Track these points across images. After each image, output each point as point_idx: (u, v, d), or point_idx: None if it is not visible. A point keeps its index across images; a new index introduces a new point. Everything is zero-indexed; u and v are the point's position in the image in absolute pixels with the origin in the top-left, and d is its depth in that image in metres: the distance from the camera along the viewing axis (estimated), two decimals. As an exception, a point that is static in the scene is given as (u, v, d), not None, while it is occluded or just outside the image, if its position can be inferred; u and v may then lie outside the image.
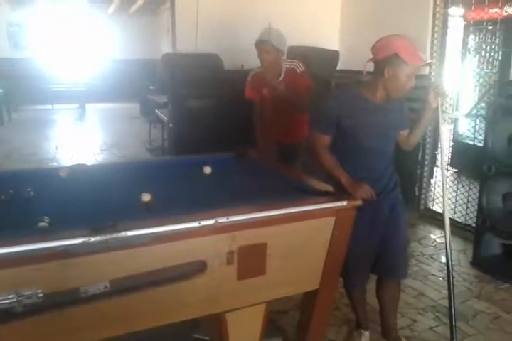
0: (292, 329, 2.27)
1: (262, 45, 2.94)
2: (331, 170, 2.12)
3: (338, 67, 5.30)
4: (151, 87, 8.91)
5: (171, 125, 4.79)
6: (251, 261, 1.76)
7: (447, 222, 2.08)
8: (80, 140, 7.38)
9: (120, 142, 7.07)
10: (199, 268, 1.66)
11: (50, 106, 10.22)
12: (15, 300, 1.34)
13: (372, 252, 2.16)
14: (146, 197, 1.86)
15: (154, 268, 1.58)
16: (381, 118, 2.06)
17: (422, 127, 2.15)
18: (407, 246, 2.26)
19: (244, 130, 4.68)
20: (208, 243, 1.66)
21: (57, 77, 11.08)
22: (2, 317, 1.37)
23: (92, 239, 1.44)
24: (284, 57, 3.11)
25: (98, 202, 1.84)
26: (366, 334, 2.35)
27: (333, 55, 5.26)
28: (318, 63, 5.00)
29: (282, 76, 3.08)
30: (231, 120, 4.48)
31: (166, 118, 5.33)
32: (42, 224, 1.51)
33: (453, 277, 2.05)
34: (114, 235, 1.47)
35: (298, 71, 3.06)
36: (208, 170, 2.38)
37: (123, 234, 1.49)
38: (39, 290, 1.37)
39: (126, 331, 1.62)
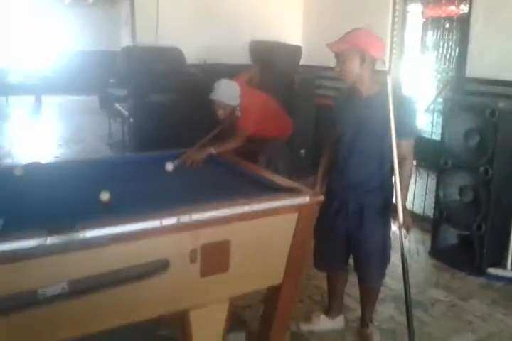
0: (256, 322, 2.28)
1: (215, 102, 3.00)
2: None
3: (301, 63, 5.33)
4: (111, 80, 8.66)
5: (131, 120, 4.69)
6: (214, 258, 1.75)
7: (400, 213, 2.09)
8: (36, 134, 7.11)
9: (78, 136, 6.87)
10: (161, 266, 1.64)
11: (3, 99, 9.78)
12: (-33, 305, 1.29)
13: (337, 245, 2.21)
14: (105, 196, 1.82)
15: (115, 268, 1.55)
16: (358, 113, 2.06)
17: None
18: (377, 253, 2.15)
19: (206, 125, 4.66)
20: (170, 242, 1.65)
21: (12, 69, 10.62)
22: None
23: (49, 240, 1.40)
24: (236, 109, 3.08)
25: (55, 201, 1.79)
26: (322, 316, 2.42)
27: (296, 50, 5.29)
28: (281, 58, 5.02)
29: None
30: (193, 115, 4.43)
31: (126, 113, 5.21)
32: (-5, 225, 1.44)
33: (406, 268, 2.07)
34: (72, 236, 1.44)
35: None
36: (169, 166, 2.35)
37: (81, 234, 1.46)
38: (-7, 294, 1.32)
39: (87, 331, 1.58)
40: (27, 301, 1.41)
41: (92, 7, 11.11)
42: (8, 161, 5.31)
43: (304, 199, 1.91)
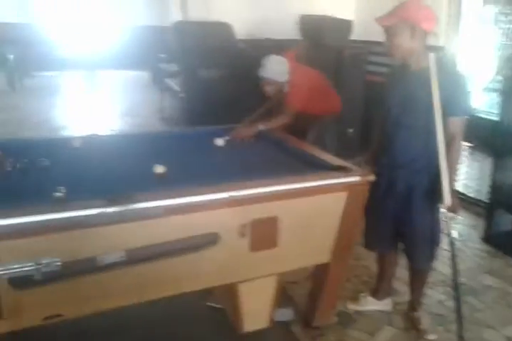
0: (302, 299, 2.31)
1: (264, 79, 2.94)
2: None
3: (352, 38, 5.16)
4: (162, 55, 8.75)
5: (182, 95, 4.74)
6: (263, 233, 1.77)
7: (446, 194, 2.01)
8: (90, 108, 7.35)
9: (133, 110, 7.02)
10: (212, 239, 1.68)
11: (61, 73, 10.13)
12: (34, 268, 1.38)
13: (386, 225, 2.18)
14: (159, 169, 1.87)
15: (169, 239, 1.61)
16: (407, 87, 1.98)
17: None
18: (425, 235, 2.09)
19: (255, 101, 4.64)
20: (221, 216, 1.68)
21: (67, 43, 10.94)
22: (22, 283, 1.40)
23: (108, 210, 1.46)
24: (286, 86, 3.00)
25: (113, 172, 1.85)
26: (369, 298, 2.41)
27: (347, 25, 5.11)
28: (331, 33, 4.87)
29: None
30: (242, 90, 4.42)
31: (176, 88, 5.27)
32: (58, 194, 1.52)
33: (454, 251, 2.01)
34: (130, 206, 1.49)
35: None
36: (220, 142, 2.38)
37: (138, 205, 1.51)
38: (57, 259, 1.40)
39: (140, 300, 1.66)
40: (86, 267, 1.49)
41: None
42: (65, 134, 5.52)
43: (354, 179, 1.89)
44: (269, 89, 3.00)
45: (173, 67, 6.18)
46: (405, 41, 1.91)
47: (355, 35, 5.13)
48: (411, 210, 2.08)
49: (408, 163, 2.05)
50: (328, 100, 3.34)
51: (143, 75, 9.88)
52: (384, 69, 4.83)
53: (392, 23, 1.90)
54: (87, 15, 11.55)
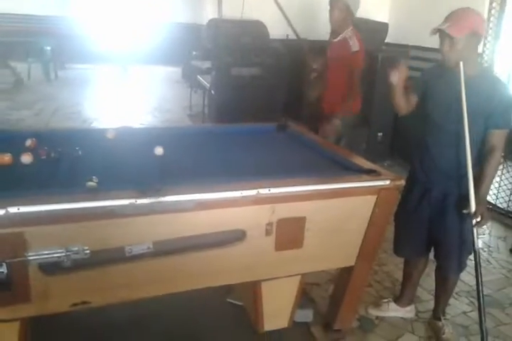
0: (323, 301, 2.29)
1: (334, 1, 2.94)
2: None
3: (386, 40, 5.09)
4: (194, 53, 8.83)
5: (212, 92, 4.77)
6: (289, 233, 1.76)
7: (472, 203, 1.96)
8: (122, 102, 7.47)
9: (162, 106, 7.11)
10: (238, 236, 1.68)
11: (94, 66, 10.34)
12: (64, 254, 1.40)
13: (418, 231, 2.15)
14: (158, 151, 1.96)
15: (195, 233, 1.61)
16: (453, 92, 1.91)
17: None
18: (458, 244, 2.05)
19: (287, 100, 4.63)
20: (248, 213, 1.67)
21: (103, 37, 11.16)
22: (51, 269, 1.43)
23: (139, 202, 1.47)
24: (351, 28, 3.04)
25: (144, 164, 1.86)
26: (392, 304, 2.37)
27: (382, 27, 5.04)
28: (365, 35, 4.80)
29: (337, 39, 3.06)
30: (274, 89, 4.42)
31: (207, 85, 5.30)
32: (90, 183, 1.54)
33: (478, 261, 1.96)
34: (160, 199, 1.50)
35: (352, 49, 3.00)
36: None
37: (168, 198, 1.52)
38: (86, 247, 1.42)
39: (164, 292, 1.67)
40: (114, 257, 1.51)
41: (179, -21, 11.26)
42: (96, 125, 5.63)
43: (384, 182, 1.86)
44: (335, 15, 2.97)
45: (205, 65, 6.23)
46: (467, 49, 1.88)
47: (390, 37, 5.06)
48: (445, 217, 2.04)
49: (446, 169, 2.02)
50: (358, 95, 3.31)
51: (174, 71, 10.00)
52: (417, 74, 4.78)
53: (463, 34, 1.84)
54: (124, 11, 11.74)
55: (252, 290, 1.90)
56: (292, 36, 4.95)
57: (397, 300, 2.38)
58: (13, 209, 1.34)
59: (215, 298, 2.27)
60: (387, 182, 1.85)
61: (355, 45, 2.99)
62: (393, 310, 2.36)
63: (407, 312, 2.37)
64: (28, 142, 1.95)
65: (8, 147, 1.87)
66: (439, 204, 2.04)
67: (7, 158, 1.76)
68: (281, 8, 4.45)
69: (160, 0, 11.66)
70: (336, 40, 3.10)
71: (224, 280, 1.77)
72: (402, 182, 1.92)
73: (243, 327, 2.11)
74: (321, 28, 5.01)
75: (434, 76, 2.08)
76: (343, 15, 2.96)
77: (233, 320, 2.21)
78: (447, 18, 1.89)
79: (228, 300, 2.29)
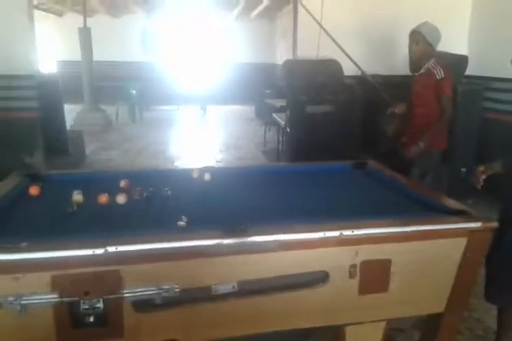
0: (408, 349, 2.17)
1: (413, 34, 2.97)
2: None
3: (466, 73, 4.95)
4: (268, 91, 9.13)
5: (288, 129, 4.86)
6: (374, 276, 1.71)
7: None
8: (201, 140, 7.82)
9: (237, 143, 7.36)
10: (322, 278, 1.66)
11: (175, 107, 11.01)
12: (155, 292, 1.47)
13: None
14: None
15: (279, 274, 1.62)
16: None
17: None
18: None
19: (363, 136, 4.60)
20: (331, 254, 1.66)
21: (183, 80, 11.93)
22: (143, 306, 1.50)
23: (225, 241, 1.52)
24: (434, 60, 3.01)
25: (228, 203, 1.93)
26: None
27: (461, 60, 4.92)
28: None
29: (421, 71, 3.04)
30: (349, 126, 4.42)
31: (282, 122, 5.42)
32: (181, 223, 1.62)
33: None
34: (245, 239, 1.54)
35: (437, 77, 2.95)
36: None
37: (252, 238, 1.55)
38: (176, 285, 1.48)
39: (247, 332, 1.67)
40: (202, 295, 1.55)
41: (253, 21, 11.85)
42: (179, 163, 5.93)
43: (476, 224, 1.76)
44: (413, 48, 2.97)
45: (279, 103, 6.40)
46: None
47: (470, 70, 4.91)
48: None
49: None
50: (443, 133, 3.22)
51: (248, 109, 10.36)
52: (501, 106, 4.56)
53: None
54: (200, 53, 12.51)
55: (334, 335, 1.85)
56: (367, 72, 4.98)
57: None
58: (111, 249, 1.43)
59: (296, 341, 2.23)
60: (479, 224, 1.76)
61: (439, 73, 2.95)
62: None
63: None
64: (122, 183, 2.10)
65: (104, 187, 2.02)
66: None
67: (105, 198, 1.90)
68: (339, 46, 4.52)
69: (233, 41, 12.29)
70: (418, 73, 3.07)
71: (307, 323, 1.74)
72: (495, 225, 1.82)
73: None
74: (399, 64, 5.03)
75: None
76: (422, 47, 2.95)
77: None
78: None
79: (308, 343, 2.24)
